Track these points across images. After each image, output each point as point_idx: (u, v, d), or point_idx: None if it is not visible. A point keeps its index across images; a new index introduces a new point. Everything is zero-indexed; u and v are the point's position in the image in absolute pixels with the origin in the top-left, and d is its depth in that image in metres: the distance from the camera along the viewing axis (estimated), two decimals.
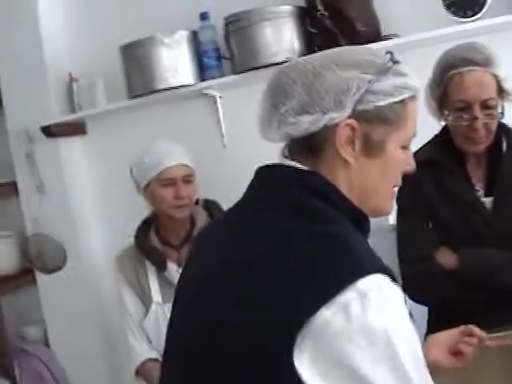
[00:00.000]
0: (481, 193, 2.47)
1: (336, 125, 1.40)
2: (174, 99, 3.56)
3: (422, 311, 2.64)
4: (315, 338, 1.22)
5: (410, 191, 2.49)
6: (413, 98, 1.45)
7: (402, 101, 1.42)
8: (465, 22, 3.04)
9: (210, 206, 3.12)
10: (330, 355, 1.22)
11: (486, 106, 2.34)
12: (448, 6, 3.05)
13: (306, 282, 1.25)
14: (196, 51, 3.46)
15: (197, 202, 3.10)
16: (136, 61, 3.44)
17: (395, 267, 3.27)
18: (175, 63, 3.41)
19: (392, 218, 3.32)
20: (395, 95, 1.40)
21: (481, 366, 1.98)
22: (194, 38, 3.46)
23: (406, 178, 2.48)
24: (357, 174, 1.44)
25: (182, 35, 3.43)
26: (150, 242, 3.04)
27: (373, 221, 3.31)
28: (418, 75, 2.99)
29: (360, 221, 1.45)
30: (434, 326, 2.45)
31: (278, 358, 1.22)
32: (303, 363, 1.22)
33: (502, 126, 2.47)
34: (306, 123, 1.40)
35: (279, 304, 1.25)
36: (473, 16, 3.02)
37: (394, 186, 1.53)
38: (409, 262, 2.51)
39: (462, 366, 1.88)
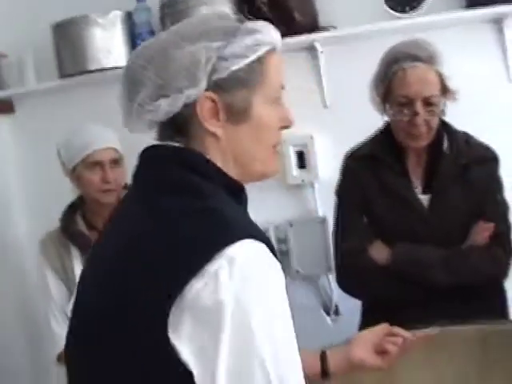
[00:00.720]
0: (419, 189, 2.46)
1: (195, 101, 1.35)
2: (105, 81, 3.45)
3: None
4: (190, 312, 1.20)
5: (349, 184, 2.54)
6: (270, 52, 1.40)
7: (259, 58, 1.37)
8: (403, 18, 3.03)
9: None
10: (203, 329, 1.20)
11: (427, 102, 2.33)
12: (387, 1, 3.03)
13: (178, 255, 1.22)
14: (130, 33, 3.39)
15: (125, 187, 3.01)
16: (68, 40, 3.36)
17: (323, 257, 3.31)
18: (108, 44, 3.34)
19: (321, 211, 3.35)
20: (249, 55, 1.36)
21: (403, 363, 1.94)
22: (129, 19, 3.40)
23: (345, 171, 2.56)
24: (229, 144, 1.40)
25: (117, 15, 3.36)
26: (75, 226, 2.95)
27: (303, 213, 3.41)
28: (355, 68, 3.00)
29: (236, 192, 1.42)
30: (367, 320, 2.46)
31: (154, 335, 1.21)
32: (182, 340, 1.20)
33: (444, 125, 2.47)
34: (165, 106, 1.36)
35: (153, 280, 1.23)
36: (411, 11, 3.01)
37: (275, 146, 1.47)
38: (343, 254, 2.52)
39: (386, 366, 1.85)
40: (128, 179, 2.99)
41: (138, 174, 1.45)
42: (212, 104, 1.36)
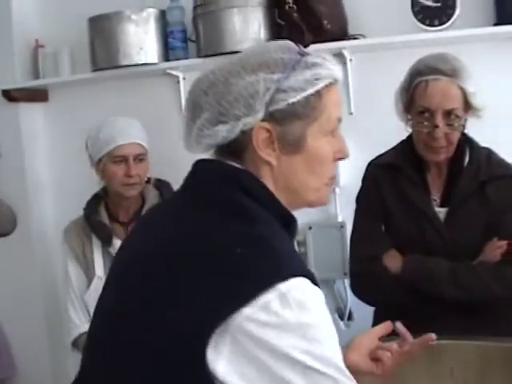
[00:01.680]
0: (437, 202, 2.44)
1: (252, 129, 1.38)
2: (136, 76, 3.51)
3: None
4: (234, 336, 1.21)
5: (369, 192, 2.54)
6: (329, 86, 1.41)
7: (317, 92, 1.39)
8: (431, 31, 3.01)
9: (160, 185, 3.08)
10: (246, 353, 1.22)
11: (448, 115, 2.31)
12: (416, 14, 3.02)
13: (229, 281, 1.24)
14: (163, 31, 3.42)
15: (148, 181, 3.04)
16: (102, 34, 3.39)
17: (340, 262, 3.30)
18: (141, 40, 3.36)
19: (341, 216, 3.35)
20: (307, 88, 1.37)
21: (403, 374, 1.95)
22: (162, 17, 3.42)
23: (366, 179, 2.57)
24: (282, 173, 1.42)
25: (150, 13, 3.38)
26: (98, 217, 2.99)
27: (323, 217, 3.41)
28: (382, 77, 2.99)
29: (288, 222, 1.43)
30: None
31: (193, 351, 1.21)
32: (220, 360, 1.21)
33: (467, 140, 2.45)
34: (223, 132, 1.38)
35: (203, 298, 1.24)
36: (439, 25, 3.00)
37: (331, 178, 1.49)
38: (358, 260, 2.52)
39: (380, 372, 1.82)
40: (150, 174, 3.04)
41: (188, 183, 1.47)
42: (267, 134, 1.38)
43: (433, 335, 1.80)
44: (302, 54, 1.41)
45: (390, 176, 2.49)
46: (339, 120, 1.46)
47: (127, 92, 3.61)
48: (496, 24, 3.00)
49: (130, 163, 2.90)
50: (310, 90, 1.37)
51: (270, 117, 1.37)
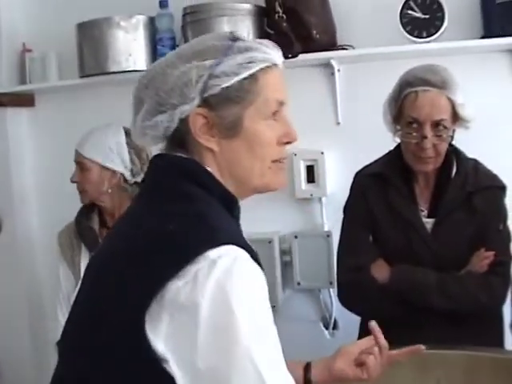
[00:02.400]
0: (425, 213, 2.45)
1: (189, 117, 1.41)
2: (125, 83, 3.44)
3: None
4: (169, 310, 1.23)
5: (357, 202, 2.54)
6: (266, 69, 1.43)
7: (253, 75, 1.41)
8: (419, 43, 3.03)
9: None
10: (180, 326, 1.23)
11: (436, 126, 2.31)
12: (405, 25, 3.03)
13: (162, 254, 1.27)
14: (152, 38, 3.40)
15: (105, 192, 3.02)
16: (91, 40, 3.37)
17: (326, 271, 3.30)
18: (130, 47, 3.34)
19: (327, 225, 3.35)
20: (240, 72, 1.39)
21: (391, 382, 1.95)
22: (151, 24, 3.40)
23: (354, 189, 2.56)
24: (225, 159, 1.44)
25: (139, 20, 3.37)
26: (88, 222, 2.99)
27: (309, 226, 3.41)
28: (369, 87, 3.00)
29: (230, 204, 1.45)
30: (364, 336, 2.43)
31: (132, 329, 1.23)
32: (160, 335, 1.23)
33: (455, 151, 2.46)
34: (163, 122, 1.41)
35: (137, 276, 1.27)
36: (428, 37, 3.01)
37: (275, 161, 1.49)
38: (345, 270, 2.51)
39: (366, 377, 1.82)
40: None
41: (145, 178, 1.53)
42: (204, 120, 1.40)
43: (422, 346, 1.81)
44: (234, 40, 1.43)
45: (378, 186, 2.49)
46: (281, 103, 1.46)
47: (115, 99, 3.56)
48: (483, 37, 3.02)
49: (76, 170, 2.95)
50: (244, 74, 1.39)
51: (206, 103, 1.39)
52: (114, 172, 2.88)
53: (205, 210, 1.35)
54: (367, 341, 1.86)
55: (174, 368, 1.23)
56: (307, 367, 1.86)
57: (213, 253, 1.24)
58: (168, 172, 1.43)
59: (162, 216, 1.34)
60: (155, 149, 1.52)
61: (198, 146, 1.43)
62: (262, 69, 1.42)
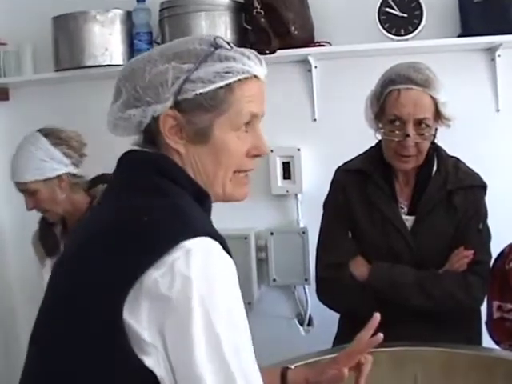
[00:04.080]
0: (404, 210, 2.43)
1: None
2: (100, 77, 3.44)
3: None
4: (148, 299, 1.23)
5: (336, 198, 2.51)
6: (243, 81, 1.42)
7: (229, 85, 1.40)
8: (397, 40, 3.03)
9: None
10: (161, 315, 1.23)
11: (419, 125, 2.30)
12: (383, 23, 3.03)
13: (137, 244, 1.26)
14: (128, 32, 3.36)
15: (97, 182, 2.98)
16: (67, 34, 3.32)
17: (301, 268, 3.29)
18: (106, 41, 3.31)
19: (302, 222, 3.34)
20: (216, 81, 1.39)
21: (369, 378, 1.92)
22: (128, 18, 3.36)
23: (334, 184, 2.54)
24: (190, 162, 1.44)
25: (116, 14, 3.33)
26: (51, 227, 2.97)
27: (285, 223, 3.40)
28: (346, 84, 3.00)
29: (202, 198, 1.45)
30: (343, 334, 2.48)
31: (108, 316, 1.24)
32: (142, 324, 1.23)
33: (436, 149, 2.45)
34: (136, 117, 1.41)
35: (114, 264, 1.27)
36: (405, 35, 3.01)
37: (239, 172, 1.48)
38: (324, 267, 2.49)
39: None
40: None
41: (114, 175, 1.49)
42: (174, 122, 1.40)
43: (380, 336, 1.77)
44: (217, 47, 1.41)
45: (358, 182, 2.46)
46: (255, 115, 1.45)
47: (90, 93, 3.54)
48: (461, 35, 3.03)
49: (26, 198, 2.88)
50: (219, 83, 1.39)
51: (178, 106, 1.39)
52: (59, 177, 2.82)
53: (179, 202, 1.35)
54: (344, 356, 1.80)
55: (159, 354, 1.23)
56: (284, 373, 1.81)
57: (188, 243, 1.25)
58: (141, 167, 1.42)
59: (137, 208, 1.33)
60: (125, 140, 1.49)
61: (166, 146, 1.43)
62: (239, 80, 1.41)
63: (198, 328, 1.21)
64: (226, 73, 1.39)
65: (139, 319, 1.23)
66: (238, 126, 1.43)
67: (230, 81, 1.39)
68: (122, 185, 1.45)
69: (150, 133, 1.44)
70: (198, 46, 1.41)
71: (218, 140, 1.42)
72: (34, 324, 1.43)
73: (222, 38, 1.45)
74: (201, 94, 1.38)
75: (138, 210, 1.32)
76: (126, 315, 1.22)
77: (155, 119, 1.41)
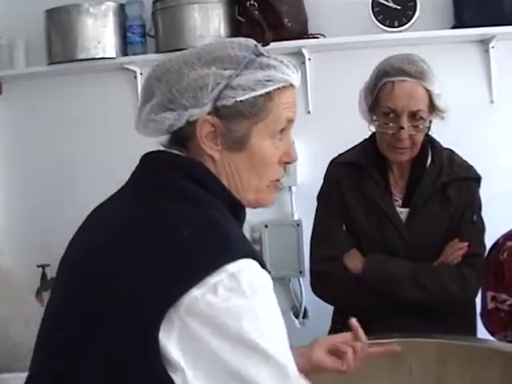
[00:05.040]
0: (399, 203, 2.42)
1: (198, 121, 1.38)
2: (93, 70, 3.45)
3: None
4: (183, 318, 1.20)
5: (330, 191, 2.49)
6: (282, 89, 1.40)
7: (268, 93, 1.38)
8: (391, 32, 3.03)
9: None
10: (195, 334, 1.20)
11: (413, 117, 2.29)
12: (376, 14, 3.03)
13: (178, 263, 1.23)
14: (121, 25, 3.36)
15: None
16: (60, 27, 3.32)
17: (296, 260, 3.30)
18: (99, 34, 3.30)
19: (297, 215, 3.34)
20: (257, 89, 1.36)
21: (364, 373, 1.94)
22: (121, 11, 3.36)
23: (328, 177, 2.54)
24: (224, 169, 1.42)
25: (109, 7, 3.33)
26: None
27: (279, 215, 3.40)
28: (340, 76, 2.98)
29: (236, 209, 1.42)
30: (337, 326, 2.44)
31: (145, 335, 1.20)
32: (171, 342, 1.20)
33: (430, 141, 2.44)
34: (170, 120, 1.38)
35: (153, 280, 1.23)
36: (399, 27, 3.01)
37: (273, 180, 1.47)
38: (318, 260, 2.48)
39: (345, 368, 1.82)
40: None
41: (136, 173, 1.46)
42: (212, 128, 1.37)
43: (396, 347, 1.84)
44: (258, 54, 1.40)
45: (352, 175, 2.45)
46: (290, 121, 1.45)
47: (83, 86, 3.54)
48: (454, 27, 3.03)
49: None
50: (260, 91, 1.37)
51: (217, 112, 1.37)
52: None
53: (216, 215, 1.31)
54: (344, 336, 1.87)
55: (187, 373, 1.20)
56: None
57: (231, 266, 1.22)
58: (173, 171, 1.38)
59: (174, 218, 1.30)
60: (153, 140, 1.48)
61: (200, 151, 1.40)
62: (278, 88, 1.39)
63: (243, 351, 1.20)
64: (268, 81, 1.37)
65: (170, 336, 1.20)
66: (274, 133, 1.42)
67: (270, 89, 1.37)
68: (146, 185, 1.41)
69: (181, 136, 1.41)
70: (239, 52, 1.39)
71: (255, 147, 1.41)
72: (41, 329, 1.40)
73: (260, 46, 1.43)
74: (241, 101, 1.36)
75: (176, 220, 1.30)
76: (161, 334, 1.20)
77: (190, 123, 1.38)
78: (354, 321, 1.85)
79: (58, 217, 3.45)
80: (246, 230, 3.36)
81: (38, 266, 3.43)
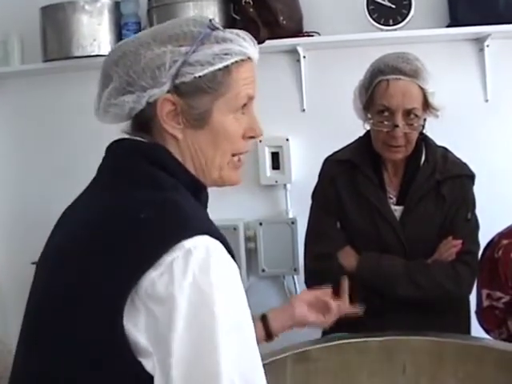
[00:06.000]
0: (393, 200, 2.42)
1: (157, 101, 1.37)
2: (89, 67, 3.41)
3: None
4: (145, 301, 1.20)
5: (325, 189, 2.50)
6: (240, 62, 1.40)
7: (226, 67, 1.37)
8: (385, 30, 3.03)
9: None
10: (158, 318, 1.19)
11: (408, 115, 2.29)
12: (371, 12, 3.03)
13: (136, 244, 1.23)
14: (117, 22, 3.35)
15: None
16: (55, 24, 3.30)
17: (290, 258, 3.30)
18: (94, 32, 3.29)
19: (291, 212, 3.34)
20: (215, 63, 1.36)
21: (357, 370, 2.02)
22: (117, 8, 3.35)
23: (323, 175, 2.53)
24: (188, 148, 1.41)
25: (104, 4, 3.32)
26: None
27: (274, 213, 3.40)
28: (335, 74, 2.98)
29: (198, 190, 1.43)
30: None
31: (111, 321, 1.20)
32: (139, 329, 1.20)
33: (425, 139, 2.44)
34: (130, 103, 1.37)
35: (113, 265, 1.23)
36: (394, 25, 3.01)
37: (235, 154, 1.47)
38: (313, 257, 2.48)
39: (325, 321, 2.02)
40: None
41: (103, 164, 1.45)
42: (172, 107, 1.37)
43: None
44: (214, 29, 1.39)
45: (347, 173, 2.45)
46: (250, 97, 1.44)
47: (79, 83, 3.52)
48: (449, 25, 3.03)
49: None
50: (218, 65, 1.36)
51: (176, 89, 1.36)
52: None
53: (176, 197, 1.32)
54: (321, 293, 2.03)
55: (154, 361, 1.19)
56: (264, 319, 1.96)
57: (188, 243, 1.22)
58: (133, 157, 1.38)
59: (132, 202, 1.30)
60: (115, 127, 1.47)
61: (162, 131, 1.40)
62: (236, 61, 1.38)
63: (198, 330, 1.18)
64: (225, 54, 1.36)
65: (136, 322, 1.20)
66: (236, 108, 1.42)
67: (228, 62, 1.37)
68: (112, 174, 1.41)
69: (143, 119, 1.40)
70: (194, 28, 1.38)
71: (217, 123, 1.40)
72: (24, 322, 1.40)
73: (215, 20, 1.42)
74: (199, 76, 1.35)
75: (134, 204, 1.29)
76: (125, 320, 1.19)
77: (150, 105, 1.37)
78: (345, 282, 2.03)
79: (53, 215, 3.43)
80: (241, 228, 3.36)
81: (32, 264, 3.41)
